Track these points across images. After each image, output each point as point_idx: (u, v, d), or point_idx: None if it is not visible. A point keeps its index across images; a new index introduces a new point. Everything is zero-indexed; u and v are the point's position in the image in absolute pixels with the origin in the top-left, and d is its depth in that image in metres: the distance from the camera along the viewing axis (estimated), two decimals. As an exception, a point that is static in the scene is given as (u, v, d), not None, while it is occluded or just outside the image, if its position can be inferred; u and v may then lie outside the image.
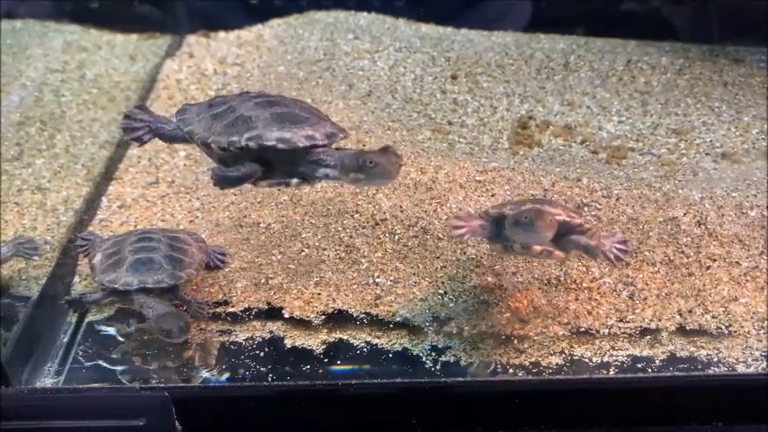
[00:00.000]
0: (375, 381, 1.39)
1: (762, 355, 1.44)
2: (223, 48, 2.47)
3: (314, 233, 1.68)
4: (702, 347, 1.46)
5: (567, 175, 1.77)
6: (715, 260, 1.59)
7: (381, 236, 1.66)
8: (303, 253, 1.65)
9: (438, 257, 1.61)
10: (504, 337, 1.47)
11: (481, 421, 1.37)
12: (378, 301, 1.54)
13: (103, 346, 1.48)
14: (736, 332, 1.48)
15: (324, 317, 1.52)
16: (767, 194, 1.70)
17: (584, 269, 1.58)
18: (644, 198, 1.69)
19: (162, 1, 2.65)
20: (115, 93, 2.27)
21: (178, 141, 1.42)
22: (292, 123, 1.27)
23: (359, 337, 1.49)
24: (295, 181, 1.30)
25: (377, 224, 1.68)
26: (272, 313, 1.53)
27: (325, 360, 1.44)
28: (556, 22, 2.60)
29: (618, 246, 1.40)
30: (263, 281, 1.59)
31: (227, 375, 1.41)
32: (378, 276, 1.59)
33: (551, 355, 1.44)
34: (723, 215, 1.65)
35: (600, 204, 1.68)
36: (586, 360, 1.44)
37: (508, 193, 1.72)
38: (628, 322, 1.50)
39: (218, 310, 1.53)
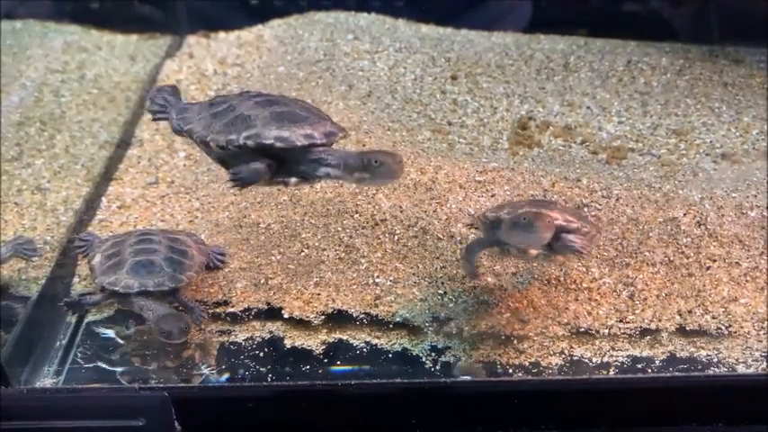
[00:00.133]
0: (375, 381, 1.38)
1: (762, 356, 1.43)
2: (223, 48, 2.47)
3: (313, 233, 1.68)
4: (702, 348, 1.46)
5: (567, 175, 1.77)
6: (715, 261, 1.59)
7: (381, 236, 1.66)
8: (303, 253, 1.65)
9: (438, 258, 1.61)
10: (503, 337, 1.47)
11: (481, 421, 1.36)
12: (377, 302, 1.54)
13: (103, 346, 1.47)
14: (736, 333, 1.48)
15: (323, 317, 1.52)
16: (767, 195, 1.70)
17: (584, 269, 1.58)
18: (644, 198, 1.69)
19: (162, 1, 2.65)
20: (115, 93, 2.27)
21: (182, 135, 1.41)
22: (291, 122, 1.27)
23: (358, 338, 1.49)
24: (294, 180, 1.30)
25: (376, 224, 1.68)
26: (272, 313, 1.53)
27: (325, 360, 1.44)
28: (556, 22, 2.60)
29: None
30: (262, 281, 1.59)
31: (226, 375, 1.41)
32: (377, 276, 1.59)
33: (551, 355, 1.44)
34: (723, 215, 1.65)
35: (600, 205, 1.68)
36: (586, 360, 1.44)
37: (508, 193, 1.72)
38: (628, 323, 1.50)
39: (217, 310, 1.53)
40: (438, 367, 1.42)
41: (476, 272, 1.52)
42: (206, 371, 1.43)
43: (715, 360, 1.43)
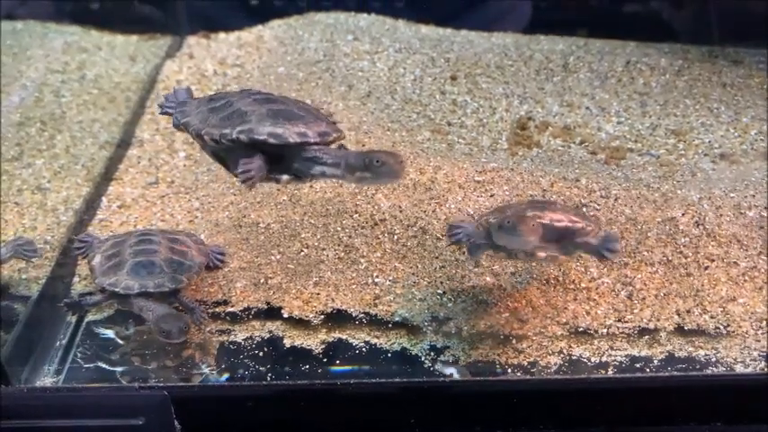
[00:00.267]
0: (374, 380, 1.39)
1: (760, 355, 1.44)
2: (223, 49, 2.47)
3: (313, 233, 1.69)
4: (701, 347, 1.47)
5: (566, 175, 1.78)
6: (713, 260, 1.59)
7: (380, 236, 1.66)
8: (302, 253, 1.65)
9: (437, 257, 1.62)
10: (502, 336, 1.48)
11: (479, 421, 1.37)
12: (377, 301, 1.55)
13: (103, 346, 1.48)
14: (734, 332, 1.49)
15: (323, 317, 1.52)
16: (766, 195, 1.71)
17: (583, 269, 1.58)
18: (642, 198, 1.69)
19: (162, 2, 2.65)
20: (115, 93, 2.28)
21: (180, 130, 1.42)
22: (286, 120, 1.27)
23: (358, 337, 1.49)
24: (285, 177, 1.30)
25: (376, 224, 1.68)
26: (272, 313, 1.53)
27: (325, 360, 1.44)
28: (555, 23, 2.60)
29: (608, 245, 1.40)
30: (262, 281, 1.59)
31: (226, 375, 1.42)
32: (377, 276, 1.59)
33: (550, 354, 1.44)
34: (721, 215, 1.65)
35: (598, 205, 1.68)
36: (585, 360, 1.44)
37: (507, 193, 1.73)
38: (626, 322, 1.50)
39: (217, 309, 1.54)
40: (437, 367, 1.42)
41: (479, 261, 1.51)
42: (206, 370, 1.43)
43: (713, 359, 1.44)
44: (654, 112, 2.15)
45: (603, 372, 1.41)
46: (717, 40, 2.50)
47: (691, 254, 1.60)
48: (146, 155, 2.01)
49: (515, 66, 2.37)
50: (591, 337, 1.48)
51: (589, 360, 1.44)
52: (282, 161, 1.29)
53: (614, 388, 1.41)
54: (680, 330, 1.50)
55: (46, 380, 1.40)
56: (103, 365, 1.44)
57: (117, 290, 1.43)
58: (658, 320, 1.51)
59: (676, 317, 1.51)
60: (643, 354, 1.45)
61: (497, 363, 1.43)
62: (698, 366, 1.42)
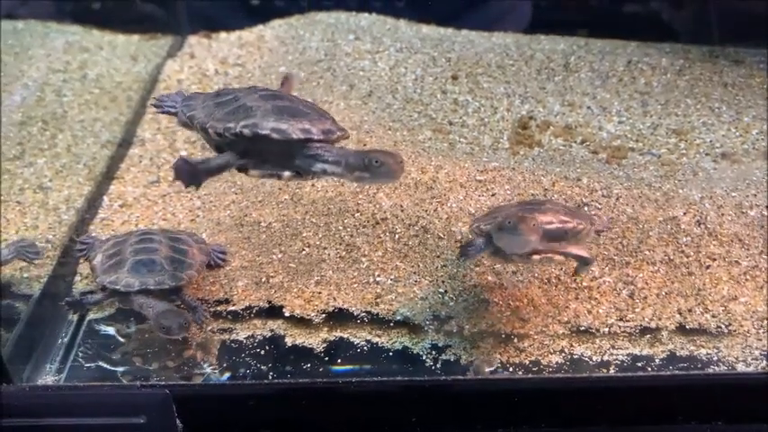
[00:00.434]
0: (375, 379, 1.39)
1: (761, 354, 1.44)
2: (224, 48, 2.47)
3: (315, 232, 1.69)
4: (702, 346, 1.47)
5: (568, 174, 1.78)
6: (715, 259, 1.59)
7: (382, 235, 1.66)
8: (304, 252, 1.65)
9: (438, 256, 1.62)
10: (504, 335, 1.48)
11: (481, 420, 1.37)
12: (378, 300, 1.55)
13: (104, 344, 1.48)
14: (735, 331, 1.49)
15: (324, 315, 1.52)
16: (767, 194, 1.71)
17: (584, 268, 1.58)
18: (644, 197, 1.69)
19: (163, 2, 2.65)
20: (117, 93, 2.28)
21: (189, 128, 1.42)
22: (290, 116, 1.27)
23: (359, 336, 1.49)
24: (287, 174, 1.30)
25: (377, 223, 1.68)
26: (273, 312, 1.53)
27: (326, 358, 1.44)
28: (556, 23, 2.61)
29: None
30: (263, 279, 1.59)
31: (227, 373, 1.42)
32: (378, 275, 1.59)
33: (551, 353, 1.45)
34: (723, 215, 1.65)
35: (600, 204, 1.68)
36: (586, 359, 1.44)
37: (508, 192, 1.73)
38: (628, 321, 1.50)
39: (218, 308, 1.54)
40: (439, 365, 1.42)
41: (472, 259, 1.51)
42: (207, 369, 1.43)
43: (715, 358, 1.44)
44: (655, 111, 2.15)
45: (605, 371, 1.42)
46: (717, 41, 2.51)
47: (692, 253, 1.60)
48: (147, 154, 2.01)
49: (516, 65, 2.37)
50: (592, 335, 1.48)
51: (590, 359, 1.44)
52: (285, 157, 1.29)
53: (616, 387, 1.41)
54: (681, 329, 1.50)
55: (48, 378, 1.40)
56: (105, 364, 1.44)
57: (117, 287, 1.43)
58: (660, 319, 1.51)
59: (678, 316, 1.51)
60: (644, 353, 1.45)
61: (499, 361, 1.42)
62: (699, 365, 1.43)
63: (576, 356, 1.44)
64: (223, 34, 2.56)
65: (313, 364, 1.43)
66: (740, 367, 1.42)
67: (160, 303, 1.42)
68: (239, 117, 1.28)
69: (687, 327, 1.50)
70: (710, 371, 1.41)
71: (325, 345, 1.47)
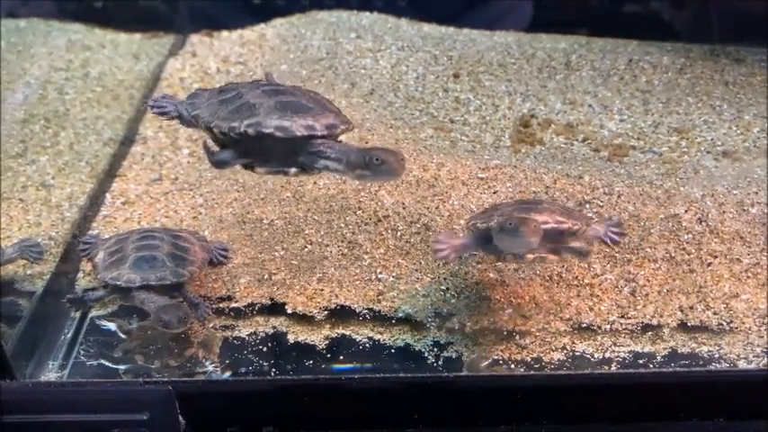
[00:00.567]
0: (377, 375, 1.39)
1: (763, 351, 1.44)
2: (226, 47, 2.47)
3: (317, 229, 1.69)
4: (704, 344, 1.47)
5: (569, 172, 1.78)
6: (716, 257, 1.60)
7: (384, 232, 1.67)
8: (306, 249, 1.65)
9: (440, 254, 1.62)
10: (505, 332, 1.48)
11: (483, 416, 1.37)
12: (380, 297, 1.55)
13: (107, 341, 1.48)
14: (737, 328, 1.49)
15: (326, 312, 1.52)
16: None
17: (586, 266, 1.58)
18: (645, 195, 1.70)
19: (165, 0, 2.66)
20: (119, 91, 2.28)
21: (194, 126, 1.42)
22: (294, 112, 1.27)
23: (361, 333, 1.49)
24: (293, 170, 1.30)
25: (379, 221, 1.68)
26: (275, 309, 1.53)
27: (328, 355, 1.45)
28: (557, 23, 2.61)
29: (613, 230, 1.45)
30: (266, 277, 1.59)
31: (230, 370, 1.42)
32: (380, 272, 1.60)
33: (553, 350, 1.45)
34: (724, 212, 1.66)
35: (601, 202, 1.69)
36: (588, 356, 1.44)
37: (510, 190, 1.73)
38: (629, 318, 1.51)
39: (221, 305, 1.54)
40: (440, 362, 1.43)
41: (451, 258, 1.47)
42: (209, 366, 1.43)
43: (716, 356, 1.44)
44: (656, 109, 2.15)
45: (606, 368, 1.42)
46: (718, 40, 2.50)
47: (693, 250, 1.60)
48: (149, 152, 2.01)
49: (518, 64, 2.37)
50: (594, 333, 1.49)
51: (592, 356, 1.44)
52: (289, 154, 1.29)
53: (617, 384, 1.41)
54: (683, 326, 1.50)
55: (50, 375, 1.41)
56: (107, 360, 1.44)
57: (119, 283, 1.44)
58: (661, 317, 1.51)
59: (679, 313, 1.52)
60: (646, 350, 1.45)
61: (501, 358, 1.43)
62: (701, 362, 1.43)
63: (577, 353, 1.45)
64: (225, 33, 2.56)
65: (315, 360, 1.43)
66: (742, 364, 1.42)
67: (160, 299, 1.43)
68: (243, 116, 1.28)
69: (688, 324, 1.50)
70: (712, 368, 1.41)
71: (327, 342, 1.47)
